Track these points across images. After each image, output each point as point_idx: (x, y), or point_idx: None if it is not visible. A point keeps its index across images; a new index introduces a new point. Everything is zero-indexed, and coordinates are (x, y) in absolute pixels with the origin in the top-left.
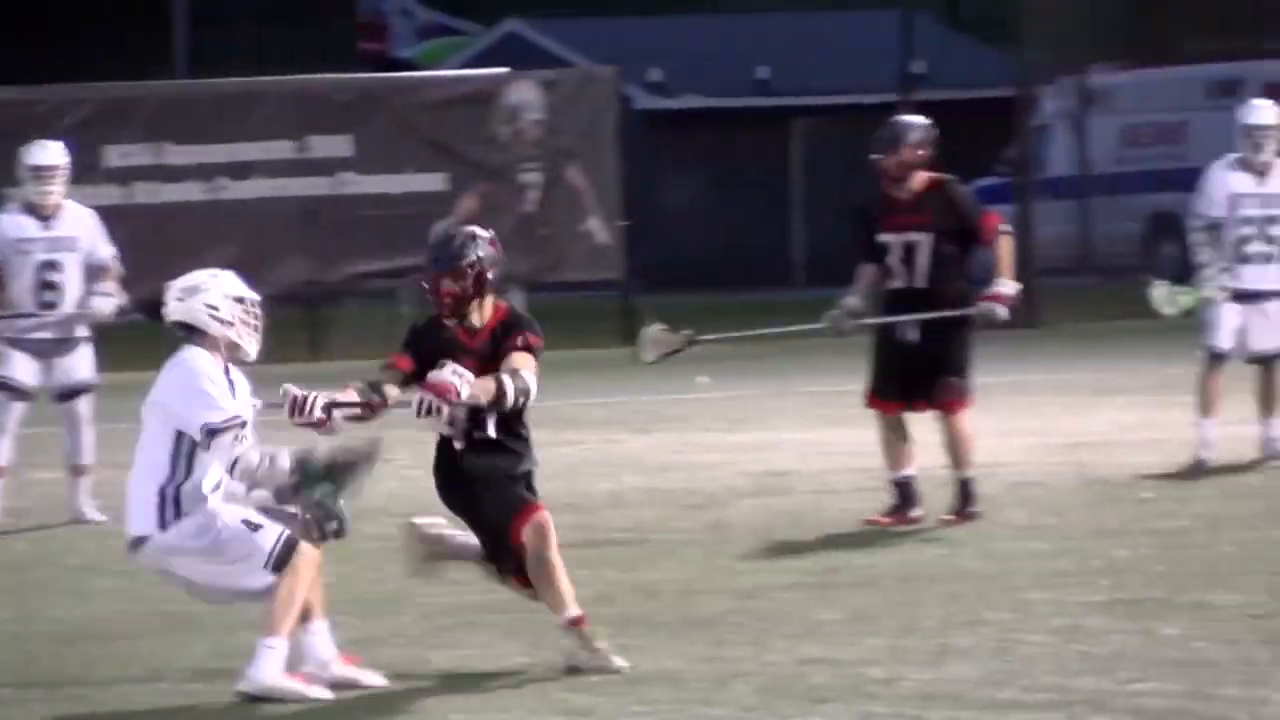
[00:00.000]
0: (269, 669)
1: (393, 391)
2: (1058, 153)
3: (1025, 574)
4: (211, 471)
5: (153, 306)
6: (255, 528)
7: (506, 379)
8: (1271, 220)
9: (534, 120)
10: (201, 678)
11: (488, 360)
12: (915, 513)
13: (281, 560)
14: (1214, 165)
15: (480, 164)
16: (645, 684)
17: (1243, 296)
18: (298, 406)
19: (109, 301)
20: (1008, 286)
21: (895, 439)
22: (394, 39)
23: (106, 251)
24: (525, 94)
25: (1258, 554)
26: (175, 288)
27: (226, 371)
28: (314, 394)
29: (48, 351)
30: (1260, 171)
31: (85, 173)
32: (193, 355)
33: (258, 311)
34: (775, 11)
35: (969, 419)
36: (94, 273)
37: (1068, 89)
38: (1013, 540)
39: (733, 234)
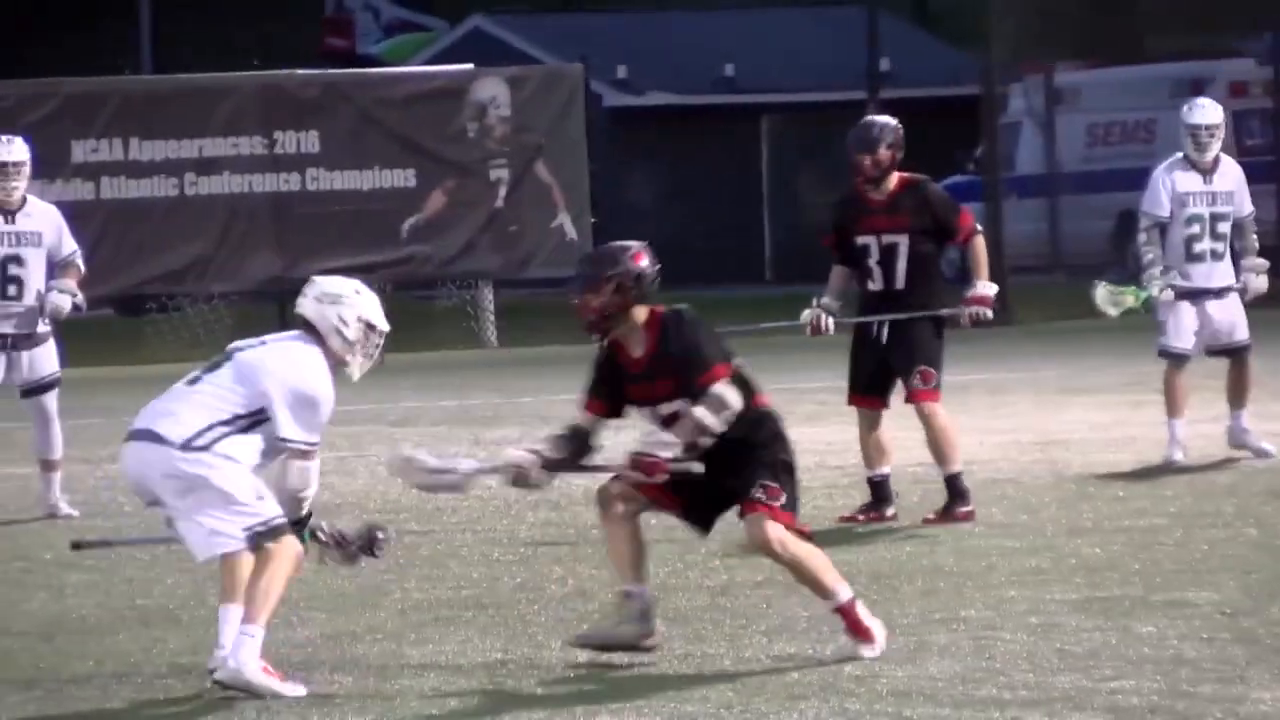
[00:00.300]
0: (247, 659)
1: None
2: (1025, 151)
3: (1001, 572)
4: (254, 450)
5: (122, 302)
6: (260, 497)
7: (700, 416)
8: (1218, 218)
9: (501, 117)
10: (177, 673)
11: (657, 376)
12: (889, 511)
13: (261, 536)
14: (1160, 165)
15: (448, 160)
16: (622, 681)
17: (1193, 295)
18: (522, 480)
19: (65, 299)
20: (988, 288)
21: (873, 436)
22: (359, 35)
23: (70, 248)
24: (492, 90)
25: (1231, 552)
26: (318, 286)
27: None
28: (539, 475)
29: (9, 346)
30: (1206, 170)
31: (52, 168)
32: (318, 366)
33: (380, 343)
34: (741, 8)
35: (946, 414)
36: (57, 270)
37: (1034, 87)
38: (988, 538)
39: (701, 231)
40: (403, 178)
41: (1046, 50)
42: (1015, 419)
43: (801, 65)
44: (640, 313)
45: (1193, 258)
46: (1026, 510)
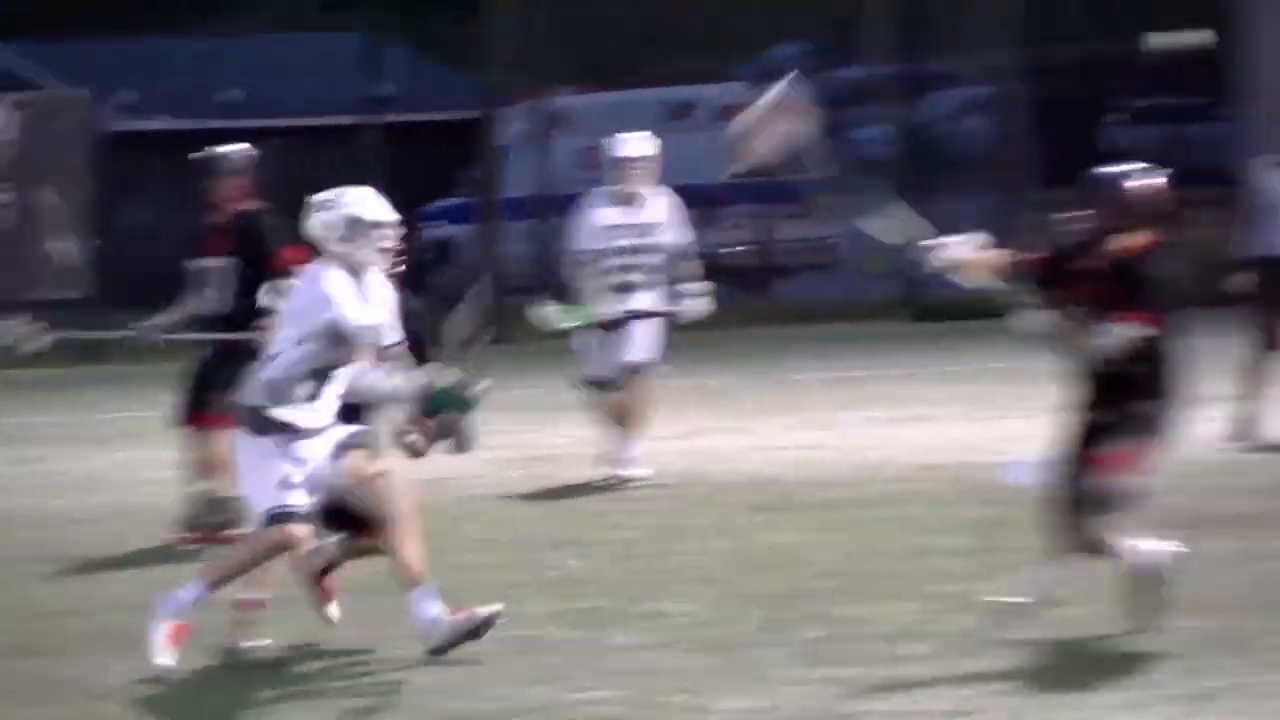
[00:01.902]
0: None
1: None
2: (520, 173)
3: (480, 586)
4: None
5: None
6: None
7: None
8: (639, 250)
9: (6, 141)
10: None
11: None
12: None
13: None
14: (585, 199)
15: None
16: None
17: (614, 324)
18: None
19: None
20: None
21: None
22: None
23: None
24: None
25: (703, 564)
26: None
27: None
28: None
29: None
30: (630, 202)
31: None
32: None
33: (389, 233)
34: (247, 35)
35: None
36: None
37: (530, 111)
38: (470, 553)
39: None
40: None
41: (543, 74)
42: (500, 436)
43: (306, 91)
44: None
45: (616, 288)
46: (509, 525)
